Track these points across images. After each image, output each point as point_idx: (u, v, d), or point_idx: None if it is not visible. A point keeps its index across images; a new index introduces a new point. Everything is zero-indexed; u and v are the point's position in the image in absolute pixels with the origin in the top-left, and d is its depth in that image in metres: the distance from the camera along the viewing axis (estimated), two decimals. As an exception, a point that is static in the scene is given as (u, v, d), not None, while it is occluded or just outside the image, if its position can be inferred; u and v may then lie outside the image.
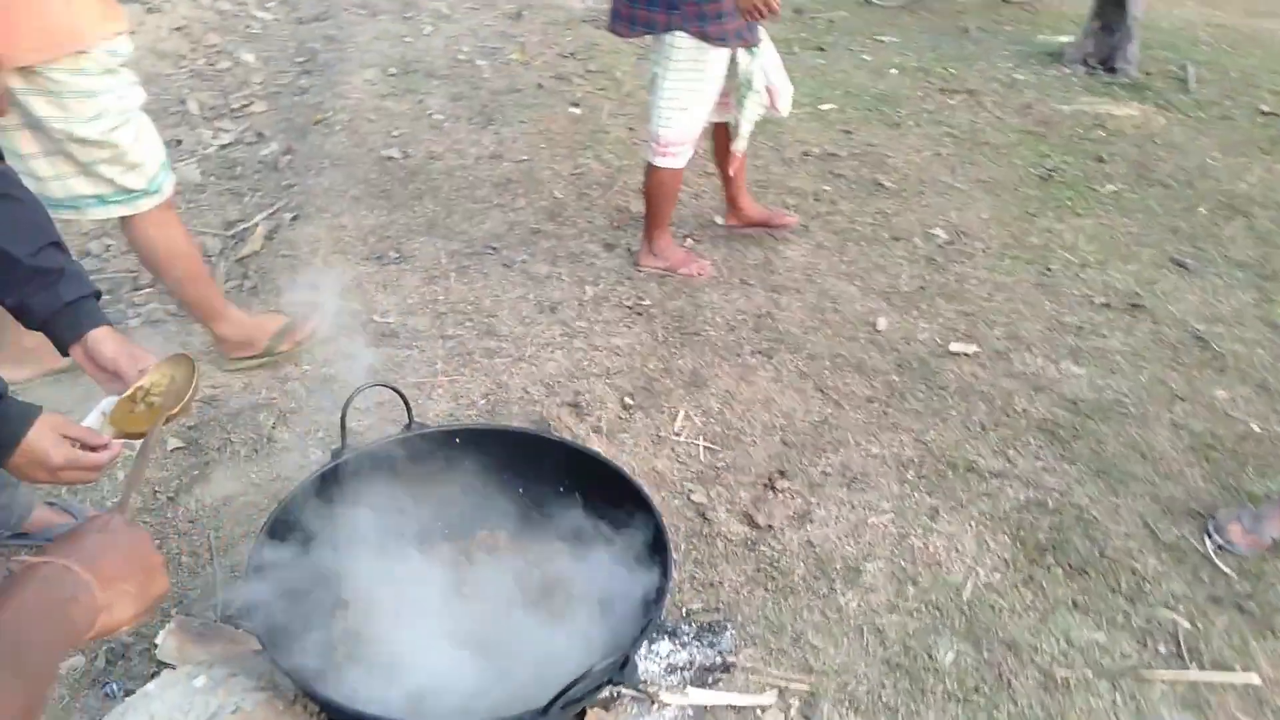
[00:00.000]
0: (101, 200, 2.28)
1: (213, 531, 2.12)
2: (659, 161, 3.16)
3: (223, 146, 4.46)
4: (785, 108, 3.29)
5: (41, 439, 1.24)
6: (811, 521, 2.34)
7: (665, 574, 1.50)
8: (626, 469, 2.40)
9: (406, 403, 1.75)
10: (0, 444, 1.23)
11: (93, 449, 1.30)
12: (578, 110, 4.85)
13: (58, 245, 1.44)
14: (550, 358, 2.85)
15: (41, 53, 2.01)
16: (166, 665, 1.66)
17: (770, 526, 2.32)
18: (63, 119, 2.10)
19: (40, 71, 2.03)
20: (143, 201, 2.33)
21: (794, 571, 2.20)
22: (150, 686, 1.48)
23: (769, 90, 3.19)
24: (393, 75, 5.16)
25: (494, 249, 3.48)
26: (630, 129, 4.66)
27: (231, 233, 3.64)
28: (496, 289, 3.21)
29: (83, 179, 2.22)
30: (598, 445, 2.49)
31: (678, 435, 2.60)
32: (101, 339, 1.42)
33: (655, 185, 3.23)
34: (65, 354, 1.44)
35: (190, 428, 2.43)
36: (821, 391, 2.83)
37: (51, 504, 2.05)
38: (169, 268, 2.48)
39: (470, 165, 4.12)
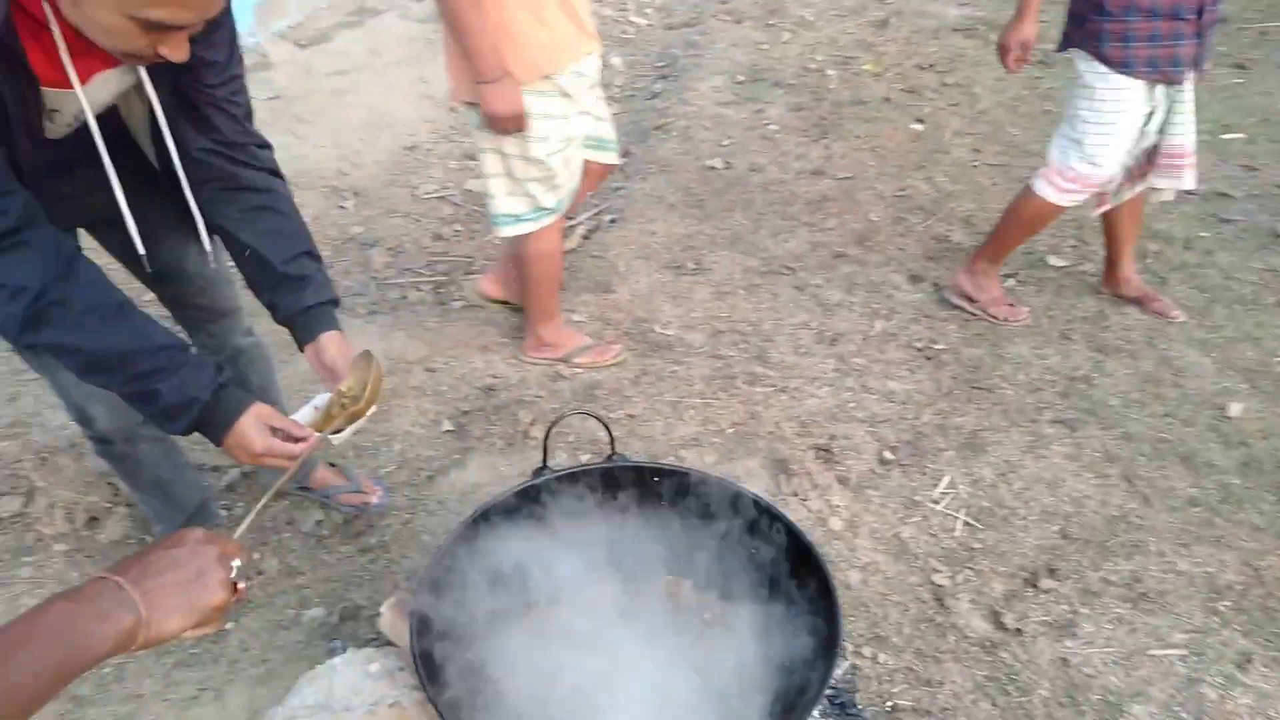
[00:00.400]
0: (516, 219, 2.48)
1: (455, 516, 2.28)
2: (1040, 188, 2.75)
3: (572, 146, 4.78)
4: (1188, 181, 2.77)
5: (249, 427, 1.39)
6: (1074, 636, 1.99)
7: (825, 674, 1.35)
8: (865, 533, 2.21)
9: (610, 433, 1.74)
10: (217, 426, 1.39)
11: (295, 439, 1.44)
12: (920, 126, 4.55)
13: (310, 254, 1.60)
14: (814, 393, 2.70)
15: (524, 75, 2.21)
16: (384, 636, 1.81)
17: (1019, 630, 2.00)
18: (519, 139, 2.30)
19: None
20: (547, 219, 2.52)
21: (1035, 690, 1.89)
22: (336, 661, 1.62)
23: (1167, 154, 2.71)
24: (739, 83, 5.20)
25: (790, 269, 3.37)
26: (975, 150, 4.29)
27: (556, 229, 3.90)
28: (781, 312, 3.11)
29: (510, 199, 2.44)
30: (840, 498, 2.31)
31: (936, 503, 2.34)
32: (328, 342, 1.56)
33: (1022, 211, 2.84)
34: (301, 350, 1.60)
35: (464, 413, 2.63)
36: (1129, 481, 2.39)
37: (333, 465, 2.33)
38: (533, 271, 2.66)
39: (789, 180, 4.03)
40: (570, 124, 2.38)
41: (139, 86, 1.45)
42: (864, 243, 3.54)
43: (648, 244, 3.62)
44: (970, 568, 2.16)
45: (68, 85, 1.32)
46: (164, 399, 1.36)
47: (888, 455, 2.47)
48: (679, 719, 1.49)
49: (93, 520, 2.22)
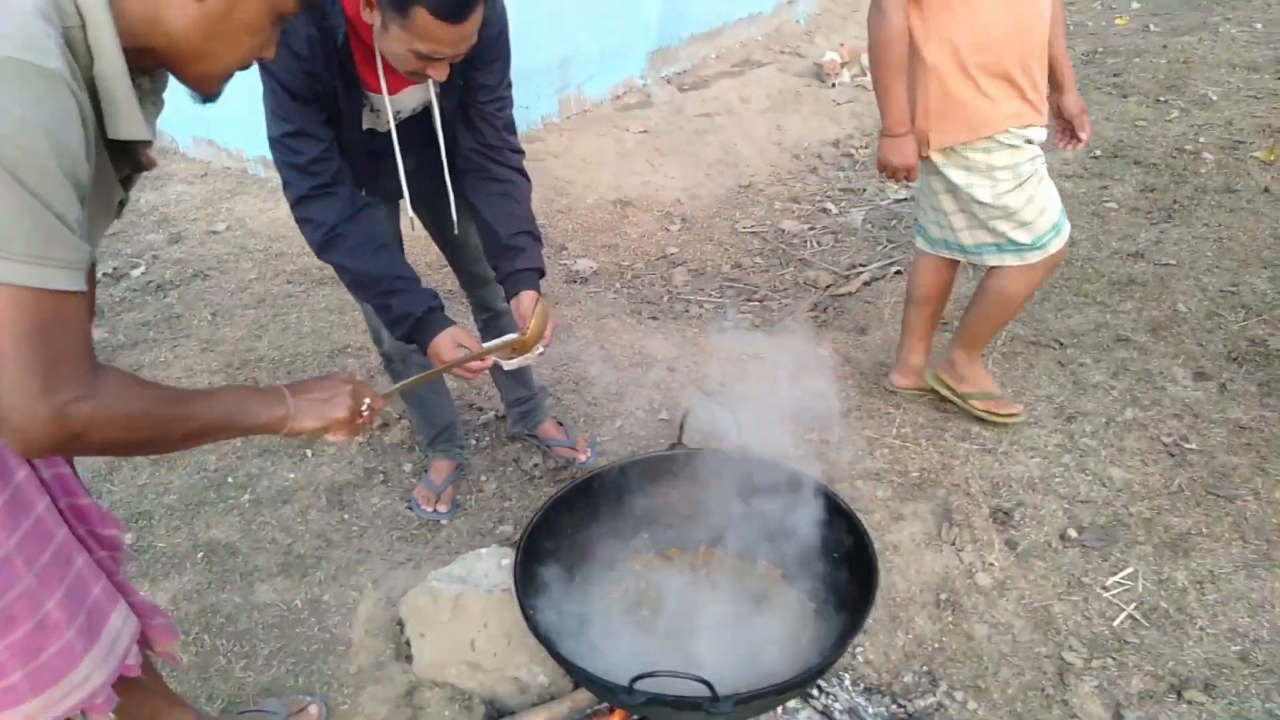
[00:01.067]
0: (998, 249, 2.67)
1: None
2: None
3: (896, 201, 4.93)
4: None
5: (444, 341, 1.86)
6: (1203, 755, 1.83)
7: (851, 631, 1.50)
8: (1013, 596, 2.20)
9: (738, 424, 1.98)
10: (424, 336, 1.88)
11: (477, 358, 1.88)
12: (1293, 222, 4.05)
13: (530, 234, 2.04)
14: (1021, 461, 2.65)
15: (960, 137, 2.51)
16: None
17: (1139, 731, 1.89)
18: (968, 186, 2.58)
19: (957, 150, 2.53)
20: (1030, 255, 2.59)
21: (1131, 792, 1.78)
22: (483, 551, 2.05)
23: None
24: (1094, 157, 4.97)
25: (1060, 344, 3.26)
26: (1357, 255, 3.74)
27: (846, 272, 4.10)
28: (1028, 382, 3.05)
29: (982, 231, 2.68)
30: (998, 558, 2.30)
31: (1105, 590, 2.22)
32: (525, 298, 1.99)
33: None
34: (508, 302, 2.04)
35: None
36: (1362, 629, 2.08)
37: (560, 424, 2.80)
38: (998, 304, 2.72)
39: (1100, 258, 3.84)
40: (1021, 166, 2.49)
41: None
42: (1157, 331, 3.31)
43: (923, 298, 3.69)
44: (1113, 657, 2.05)
45: (382, 92, 1.90)
46: (393, 311, 1.89)
47: (1072, 533, 2.38)
48: (732, 648, 1.72)
49: (384, 425, 2.91)
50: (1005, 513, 2.45)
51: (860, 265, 4.17)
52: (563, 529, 1.93)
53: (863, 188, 5.10)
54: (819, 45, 7.33)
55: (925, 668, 2.04)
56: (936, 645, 2.10)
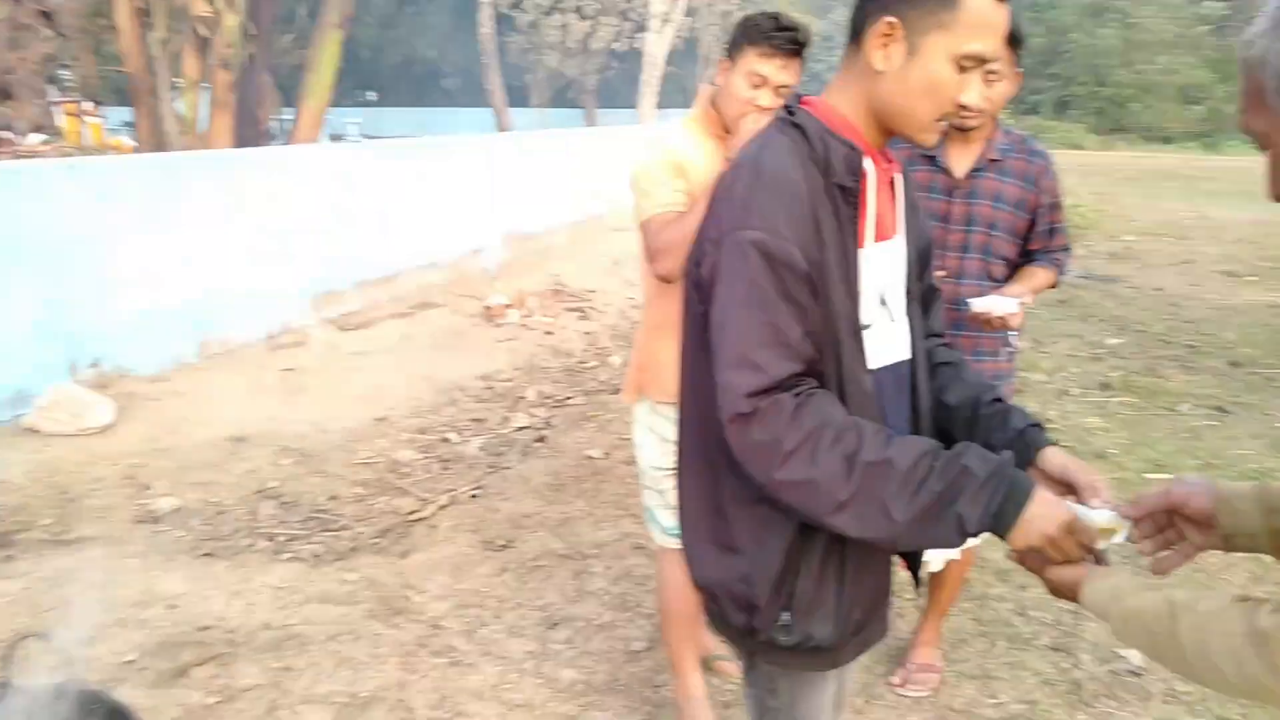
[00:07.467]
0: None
1: None
2: None
3: (518, 429, 5.20)
4: None
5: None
6: None
7: None
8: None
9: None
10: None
11: None
12: None
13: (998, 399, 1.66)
14: None
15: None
16: None
17: None
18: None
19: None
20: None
21: None
22: None
23: None
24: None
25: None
26: None
27: (426, 496, 4.23)
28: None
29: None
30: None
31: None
32: (1049, 455, 1.56)
33: None
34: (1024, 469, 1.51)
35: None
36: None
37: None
38: None
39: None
40: None
41: None
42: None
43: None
44: None
45: None
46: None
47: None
48: None
49: None
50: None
51: (449, 490, 4.33)
52: None
53: (486, 418, 5.39)
54: (499, 288, 7.90)
55: None
56: None
